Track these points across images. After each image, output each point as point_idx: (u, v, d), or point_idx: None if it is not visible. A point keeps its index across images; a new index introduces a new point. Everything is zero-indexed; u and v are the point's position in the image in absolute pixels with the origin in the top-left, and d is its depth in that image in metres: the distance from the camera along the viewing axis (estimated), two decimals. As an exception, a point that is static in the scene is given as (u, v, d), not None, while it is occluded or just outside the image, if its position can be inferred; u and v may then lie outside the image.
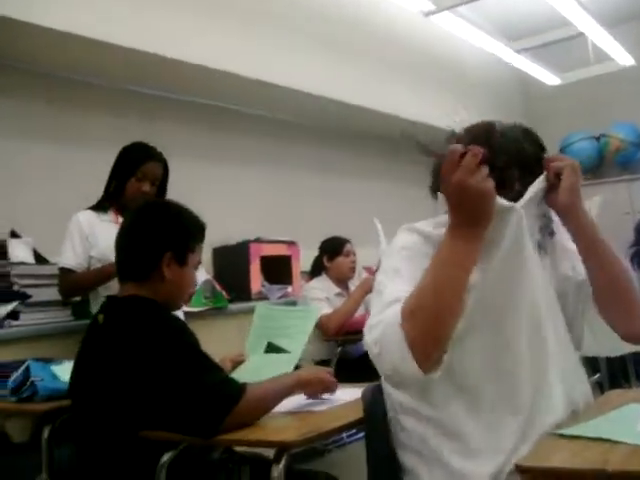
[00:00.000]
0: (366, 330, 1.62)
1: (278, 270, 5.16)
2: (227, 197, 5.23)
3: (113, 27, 3.78)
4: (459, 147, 1.52)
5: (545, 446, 1.48)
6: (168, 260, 2.21)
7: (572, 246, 1.78)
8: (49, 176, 4.11)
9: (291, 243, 5.28)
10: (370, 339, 1.59)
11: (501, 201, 1.59)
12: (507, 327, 1.67)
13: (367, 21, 5.79)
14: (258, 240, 5.06)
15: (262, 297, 4.90)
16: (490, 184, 1.52)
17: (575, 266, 1.80)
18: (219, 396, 2.00)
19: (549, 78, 7.24)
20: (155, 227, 2.25)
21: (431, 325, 1.51)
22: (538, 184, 1.72)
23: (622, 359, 4.38)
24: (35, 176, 4.05)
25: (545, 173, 1.73)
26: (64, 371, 2.68)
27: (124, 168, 3.36)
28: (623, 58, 6.70)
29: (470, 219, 1.54)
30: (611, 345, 1.80)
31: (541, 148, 1.79)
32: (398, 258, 1.72)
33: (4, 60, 3.90)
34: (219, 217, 4.98)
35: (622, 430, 1.47)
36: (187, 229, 2.31)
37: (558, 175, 1.72)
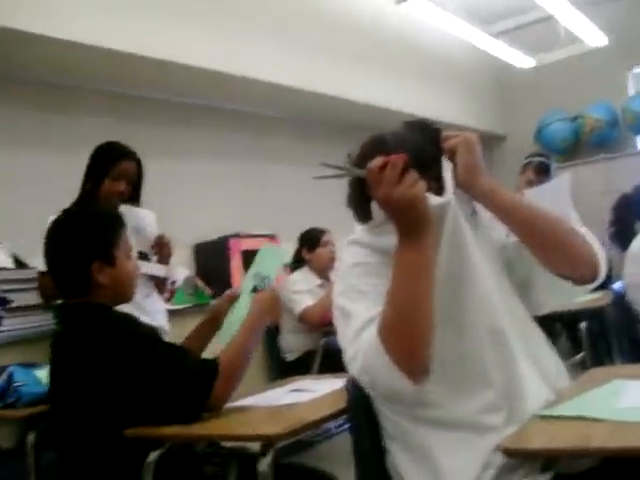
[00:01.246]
0: (348, 362, 1.62)
1: (259, 264, 5.14)
2: (205, 194, 5.22)
3: (72, 26, 3.73)
4: (378, 162, 1.50)
5: (528, 427, 1.49)
6: (98, 268, 2.14)
7: None
8: (28, 180, 4.08)
9: (271, 236, 5.27)
10: (356, 371, 1.59)
11: (434, 200, 1.58)
12: (465, 323, 1.66)
13: (337, 10, 5.77)
14: (237, 235, 5.06)
15: (244, 292, 4.88)
16: (418, 189, 1.49)
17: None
18: (197, 376, 2.04)
19: (523, 61, 7.25)
20: (70, 246, 2.16)
21: (409, 339, 1.50)
22: (447, 168, 1.70)
23: (606, 337, 4.39)
24: (13, 180, 4.02)
25: (444, 155, 1.71)
26: (47, 375, 2.67)
27: (98, 168, 3.32)
28: (596, 39, 6.71)
29: (410, 228, 1.52)
30: (567, 293, 1.77)
31: (437, 136, 1.74)
32: (354, 276, 1.71)
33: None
34: (198, 214, 4.97)
35: (604, 408, 1.48)
36: (100, 231, 2.20)
37: (454, 153, 1.69)
